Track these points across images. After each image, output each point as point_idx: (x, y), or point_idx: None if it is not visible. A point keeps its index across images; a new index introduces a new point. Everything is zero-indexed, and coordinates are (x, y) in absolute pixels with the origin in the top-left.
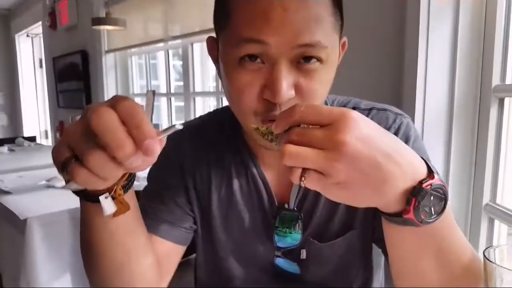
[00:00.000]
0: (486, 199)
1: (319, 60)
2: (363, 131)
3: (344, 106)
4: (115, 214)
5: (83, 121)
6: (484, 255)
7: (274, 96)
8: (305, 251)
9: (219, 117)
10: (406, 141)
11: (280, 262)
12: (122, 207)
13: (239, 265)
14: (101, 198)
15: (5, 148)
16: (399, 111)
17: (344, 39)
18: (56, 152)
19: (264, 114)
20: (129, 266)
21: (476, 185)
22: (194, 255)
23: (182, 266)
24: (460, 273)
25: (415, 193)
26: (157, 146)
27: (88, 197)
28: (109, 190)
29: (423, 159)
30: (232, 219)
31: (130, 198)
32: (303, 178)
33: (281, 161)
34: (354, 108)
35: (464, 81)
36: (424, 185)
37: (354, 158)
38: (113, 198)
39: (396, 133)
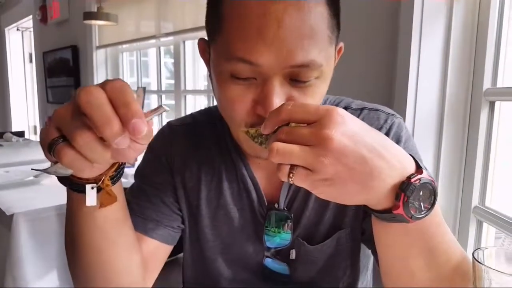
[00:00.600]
0: (475, 201)
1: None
2: (349, 127)
3: (336, 106)
4: (102, 205)
5: (73, 102)
6: (474, 257)
7: (267, 112)
8: (295, 251)
9: (211, 115)
10: (398, 141)
11: (269, 262)
12: (109, 198)
13: (227, 265)
14: (87, 187)
15: None
16: (391, 111)
17: (341, 44)
18: (44, 133)
19: (255, 126)
20: (114, 261)
21: (466, 188)
22: (182, 254)
23: (170, 265)
24: (449, 273)
25: (404, 188)
26: (144, 126)
27: (75, 187)
28: (96, 180)
29: (411, 155)
30: (221, 219)
31: (118, 191)
32: (291, 175)
33: (270, 161)
34: (345, 108)
35: (455, 84)
36: (412, 180)
37: (340, 153)
38: (101, 188)
39: (387, 134)
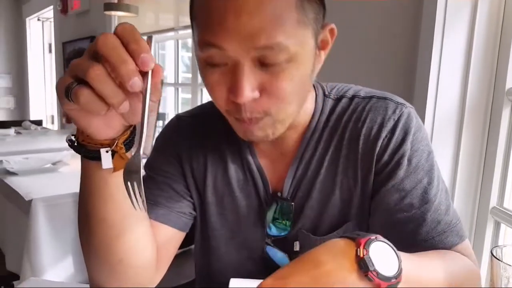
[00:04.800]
0: (493, 202)
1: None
2: None
3: (344, 94)
4: (115, 169)
5: (87, 51)
6: (492, 254)
7: (236, 97)
8: (299, 243)
9: None
10: (406, 133)
11: (271, 251)
12: (123, 162)
13: (233, 254)
14: (102, 150)
15: (11, 131)
16: (400, 100)
17: (331, 26)
18: (60, 83)
19: (235, 113)
20: (125, 238)
21: (484, 188)
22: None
23: (185, 254)
24: None
25: (362, 265)
26: (151, 61)
27: (90, 154)
28: (110, 145)
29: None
30: (227, 207)
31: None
32: None
33: (274, 148)
34: (353, 97)
35: (477, 83)
36: (360, 255)
37: None
38: (115, 153)
39: (395, 125)
